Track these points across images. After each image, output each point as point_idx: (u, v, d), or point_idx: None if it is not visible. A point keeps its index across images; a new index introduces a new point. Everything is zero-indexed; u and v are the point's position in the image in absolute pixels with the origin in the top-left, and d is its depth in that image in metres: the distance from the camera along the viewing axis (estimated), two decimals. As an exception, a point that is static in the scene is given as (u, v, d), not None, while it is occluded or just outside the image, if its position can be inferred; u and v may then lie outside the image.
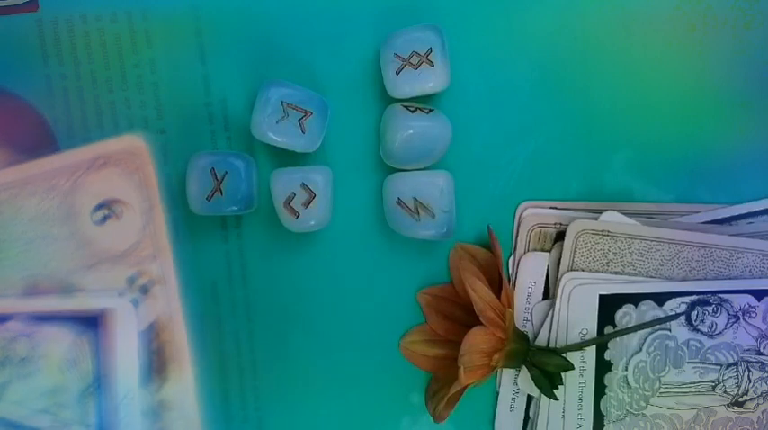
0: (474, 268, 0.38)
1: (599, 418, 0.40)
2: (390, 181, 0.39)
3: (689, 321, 0.40)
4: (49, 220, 0.39)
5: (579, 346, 0.40)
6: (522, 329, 0.40)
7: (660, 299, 0.40)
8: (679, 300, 0.40)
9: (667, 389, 0.40)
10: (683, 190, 0.41)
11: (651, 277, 0.40)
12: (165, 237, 0.40)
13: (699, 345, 0.40)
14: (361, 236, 0.41)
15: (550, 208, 0.41)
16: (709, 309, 0.40)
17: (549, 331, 0.40)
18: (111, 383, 0.40)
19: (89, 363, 0.40)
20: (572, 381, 0.40)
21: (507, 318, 0.38)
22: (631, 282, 0.40)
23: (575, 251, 0.40)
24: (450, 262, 0.41)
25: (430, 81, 0.38)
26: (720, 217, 0.40)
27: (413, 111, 0.38)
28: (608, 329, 0.40)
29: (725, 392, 0.40)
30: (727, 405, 0.40)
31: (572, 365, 0.39)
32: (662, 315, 0.40)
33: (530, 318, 0.41)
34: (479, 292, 0.37)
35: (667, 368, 0.40)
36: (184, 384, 0.40)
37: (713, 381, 0.40)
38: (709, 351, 0.40)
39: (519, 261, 0.41)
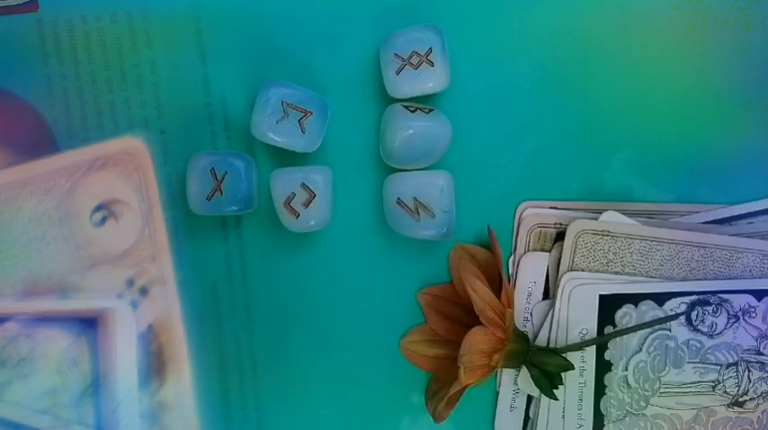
0: (474, 268, 0.38)
1: (599, 418, 0.40)
2: (390, 181, 0.39)
3: (689, 321, 0.40)
4: (48, 221, 0.39)
5: (579, 346, 0.40)
6: (522, 329, 0.40)
7: (660, 299, 0.40)
8: (679, 300, 0.40)
9: (667, 389, 0.40)
10: (683, 190, 0.41)
11: (651, 277, 0.40)
12: (164, 239, 0.40)
13: (699, 345, 0.40)
14: (361, 236, 0.41)
15: (550, 208, 0.41)
16: (709, 308, 0.40)
17: (549, 331, 0.40)
18: (111, 384, 0.40)
19: (88, 364, 0.39)
20: (572, 381, 0.40)
21: (507, 318, 0.38)
22: (631, 282, 0.40)
23: (575, 251, 0.40)
24: (451, 262, 0.41)
25: (430, 81, 0.38)
26: (720, 217, 0.41)
27: (413, 112, 0.38)
28: (608, 329, 0.40)
29: (725, 392, 0.40)
30: (727, 405, 0.40)
31: (572, 365, 0.39)
32: (662, 315, 0.40)
33: (530, 318, 0.41)
34: (479, 292, 0.37)
35: (667, 368, 0.40)
36: (184, 385, 0.40)
37: (713, 381, 0.40)
38: (709, 351, 0.40)
39: (519, 261, 0.41)
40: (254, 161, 0.40)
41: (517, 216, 0.41)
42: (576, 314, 0.40)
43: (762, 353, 0.40)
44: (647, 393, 0.40)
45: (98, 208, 0.40)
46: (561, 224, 0.40)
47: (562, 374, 0.39)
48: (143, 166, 0.40)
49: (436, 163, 0.39)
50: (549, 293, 0.41)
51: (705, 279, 0.40)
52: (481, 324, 0.36)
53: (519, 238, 0.41)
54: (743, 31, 0.40)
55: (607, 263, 0.40)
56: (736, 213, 0.41)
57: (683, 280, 0.40)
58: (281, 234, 0.40)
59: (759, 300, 0.40)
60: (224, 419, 0.41)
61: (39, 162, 0.39)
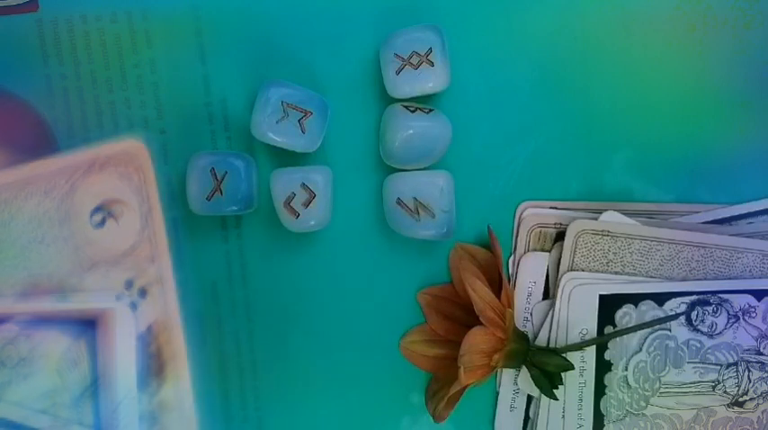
0: (474, 268, 0.38)
1: (599, 418, 0.40)
2: (390, 181, 0.39)
3: (689, 321, 0.40)
4: (47, 222, 0.39)
5: (579, 346, 0.40)
6: (522, 329, 0.40)
7: (660, 299, 0.40)
8: (679, 300, 0.40)
9: (667, 389, 0.40)
10: (683, 190, 0.41)
11: (651, 277, 0.40)
12: (163, 240, 0.40)
13: (699, 345, 0.40)
14: (361, 236, 0.41)
15: (550, 208, 0.41)
16: (709, 309, 0.40)
17: (549, 331, 0.40)
18: (110, 385, 0.39)
19: (87, 365, 0.39)
20: (572, 381, 0.40)
21: (507, 318, 0.38)
22: (631, 282, 0.40)
23: (575, 251, 0.40)
24: (451, 262, 0.41)
25: (430, 81, 0.38)
26: (720, 217, 0.41)
27: (413, 112, 0.38)
28: (608, 329, 0.40)
29: (725, 392, 0.40)
30: (727, 405, 0.40)
31: (572, 365, 0.39)
32: (662, 315, 0.40)
33: (530, 318, 0.41)
34: (479, 292, 0.37)
35: (667, 368, 0.40)
36: (183, 385, 0.40)
37: (713, 381, 0.40)
38: (709, 351, 0.40)
39: (519, 261, 0.41)
40: (254, 161, 0.40)
41: (517, 216, 0.41)
42: (575, 314, 0.40)
43: (762, 353, 0.40)
44: (647, 393, 0.40)
45: (98, 209, 0.40)
46: (561, 224, 0.40)
47: (562, 374, 0.39)
48: (143, 167, 0.40)
49: (436, 163, 0.39)
50: (549, 293, 0.41)
51: (705, 279, 0.40)
52: (481, 324, 0.36)
53: (519, 238, 0.41)
54: (743, 31, 0.41)
55: (607, 263, 0.40)
56: (736, 213, 0.41)
57: (683, 280, 0.40)
58: (281, 234, 0.40)
59: (759, 300, 0.40)
60: (224, 419, 0.41)
61: (38, 163, 0.39)
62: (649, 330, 0.40)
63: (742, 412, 0.41)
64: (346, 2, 0.40)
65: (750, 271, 0.40)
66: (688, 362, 0.40)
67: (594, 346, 0.40)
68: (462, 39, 0.40)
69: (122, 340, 0.40)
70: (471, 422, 0.41)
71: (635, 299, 0.40)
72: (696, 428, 0.41)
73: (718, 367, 0.40)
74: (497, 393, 0.41)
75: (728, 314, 0.40)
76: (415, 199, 0.38)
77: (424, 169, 0.39)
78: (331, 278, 0.41)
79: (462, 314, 0.40)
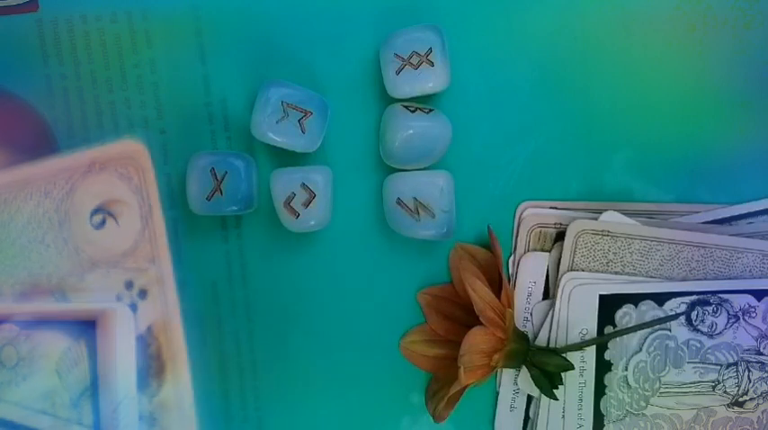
0: (474, 268, 0.38)
1: (599, 418, 0.40)
2: (390, 181, 0.39)
3: (689, 321, 0.40)
4: (47, 223, 0.39)
5: (579, 346, 0.40)
6: (522, 329, 0.40)
7: (660, 299, 0.40)
8: (679, 300, 0.40)
9: (667, 389, 0.40)
10: (683, 190, 0.41)
11: (651, 277, 0.40)
12: (163, 241, 0.40)
13: (699, 345, 0.40)
14: (361, 236, 0.41)
15: (550, 208, 0.41)
16: (709, 309, 0.40)
17: (549, 331, 0.40)
18: (110, 385, 0.39)
19: (87, 365, 0.39)
20: (572, 381, 0.40)
21: (507, 318, 0.38)
22: (631, 282, 0.40)
23: (575, 251, 0.40)
24: (451, 262, 0.41)
25: (430, 81, 0.38)
26: (720, 217, 0.41)
27: (413, 112, 0.38)
28: (608, 329, 0.40)
29: (725, 392, 0.40)
30: (727, 405, 0.40)
31: (572, 365, 0.39)
32: (662, 315, 0.40)
33: (530, 318, 0.41)
34: (479, 292, 0.37)
35: (667, 368, 0.40)
36: (183, 385, 0.40)
37: (713, 381, 0.40)
38: (709, 351, 0.40)
39: (519, 261, 0.41)
40: (254, 161, 0.40)
41: (517, 216, 0.41)
42: (576, 314, 0.40)
43: (762, 353, 0.40)
44: (647, 393, 0.40)
45: (98, 209, 0.40)
46: (561, 224, 0.40)
47: (562, 374, 0.39)
48: (143, 167, 0.40)
49: (436, 163, 0.39)
50: (549, 293, 0.41)
51: (705, 279, 0.40)
52: (481, 324, 0.36)
53: (519, 238, 0.41)
54: (743, 31, 0.41)
55: (607, 263, 0.40)
56: (736, 213, 0.41)
57: (683, 280, 0.40)
58: (281, 234, 0.40)
59: (759, 300, 0.40)
60: (224, 419, 0.41)
61: (37, 164, 0.39)
62: (649, 330, 0.40)
63: (742, 412, 0.41)
64: (346, 2, 0.40)
65: (750, 271, 0.40)
66: (688, 363, 0.40)
67: (594, 346, 0.40)
68: (462, 39, 0.40)
69: (122, 340, 0.40)
70: (471, 422, 0.41)
71: (635, 299, 0.40)
72: (696, 428, 0.41)
73: (718, 367, 0.40)
74: (497, 393, 0.41)
75: (728, 314, 0.40)
76: (415, 199, 0.38)
77: (424, 169, 0.39)
78: (331, 278, 0.41)
79: (462, 314, 0.40)
